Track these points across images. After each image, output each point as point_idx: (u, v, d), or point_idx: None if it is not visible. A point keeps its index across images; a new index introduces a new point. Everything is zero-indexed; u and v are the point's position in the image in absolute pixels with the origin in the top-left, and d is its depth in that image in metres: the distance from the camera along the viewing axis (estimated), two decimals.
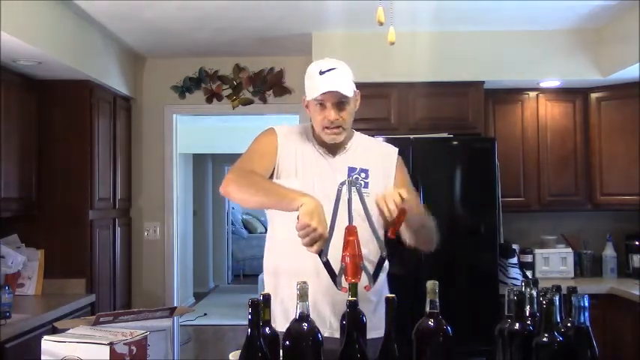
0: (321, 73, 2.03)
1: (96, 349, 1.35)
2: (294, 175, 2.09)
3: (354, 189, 1.83)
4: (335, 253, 1.76)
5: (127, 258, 4.72)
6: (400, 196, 1.78)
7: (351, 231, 1.75)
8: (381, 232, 1.94)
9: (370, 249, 1.91)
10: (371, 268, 1.83)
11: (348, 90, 2.03)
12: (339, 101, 2.03)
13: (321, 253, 1.75)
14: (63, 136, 3.96)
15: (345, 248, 1.74)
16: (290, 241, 1.94)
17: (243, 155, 2.14)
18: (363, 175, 2.10)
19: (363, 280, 1.76)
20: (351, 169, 2.10)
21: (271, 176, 2.12)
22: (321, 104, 2.04)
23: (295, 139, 2.16)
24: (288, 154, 2.12)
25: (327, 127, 2.06)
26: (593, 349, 1.47)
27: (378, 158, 2.16)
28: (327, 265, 1.76)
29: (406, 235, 2.06)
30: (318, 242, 1.72)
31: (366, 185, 2.08)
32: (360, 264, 1.72)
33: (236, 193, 2.00)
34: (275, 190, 1.94)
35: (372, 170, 2.12)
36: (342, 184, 1.84)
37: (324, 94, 2.01)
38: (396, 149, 2.24)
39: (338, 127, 2.06)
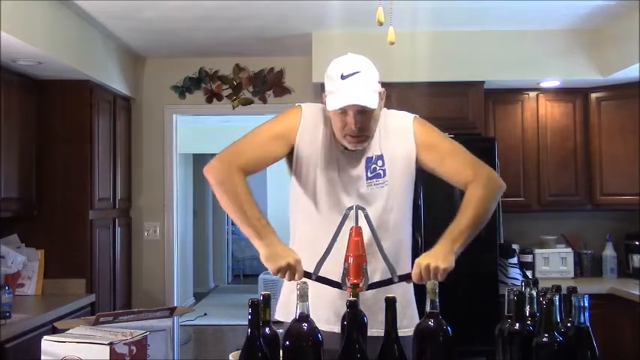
0: (343, 77, 1.85)
1: (96, 349, 1.35)
2: (314, 169, 1.97)
3: (361, 213, 1.81)
4: (338, 269, 1.77)
5: (127, 258, 4.71)
6: (440, 268, 1.74)
7: (356, 232, 1.75)
8: (396, 259, 1.89)
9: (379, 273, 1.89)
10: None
11: (373, 100, 1.85)
12: (362, 110, 1.86)
13: (310, 275, 1.77)
14: (63, 136, 3.96)
15: (349, 248, 1.74)
16: (307, 240, 1.98)
17: (251, 134, 2.01)
18: (380, 162, 1.97)
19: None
20: (369, 159, 1.97)
21: (290, 157, 2.01)
22: (343, 111, 1.88)
23: (320, 126, 1.99)
24: (310, 143, 1.98)
25: (349, 134, 1.90)
26: (593, 349, 1.47)
27: (392, 137, 1.99)
28: (320, 280, 1.77)
29: None
30: (297, 270, 1.75)
31: (384, 174, 1.96)
32: (362, 265, 1.72)
33: (215, 191, 1.93)
34: (244, 218, 1.85)
35: (386, 154, 1.97)
36: (350, 209, 1.80)
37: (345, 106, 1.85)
38: (411, 118, 2.02)
39: (361, 135, 1.90)
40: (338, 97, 1.86)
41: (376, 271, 1.88)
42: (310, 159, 1.98)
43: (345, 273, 1.73)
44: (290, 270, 1.75)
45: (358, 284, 1.71)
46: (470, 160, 1.99)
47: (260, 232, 1.82)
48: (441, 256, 1.77)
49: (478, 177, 1.94)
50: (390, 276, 1.84)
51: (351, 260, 1.72)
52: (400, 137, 1.99)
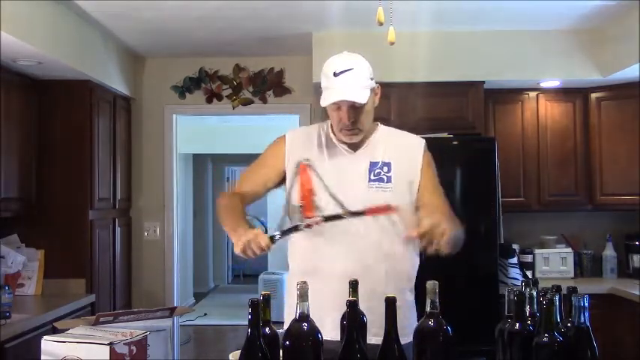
0: (336, 74, 1.99)
1: (96, 349, 1.35)
2: (311, 179, 2.06)
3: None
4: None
5: (127, 258, 4.71)
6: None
7: (303, 168, 1.92)
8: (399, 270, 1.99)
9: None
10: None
11: (362, 96, 1.98)
12: (354, 105, 2.00)
13: (274, 237, 1.86)
14: (63, 136, 3.96)
15: (302, 187, 1.91)
16: (309, 246, 2.06)
17: (248, 167, 2.24)
18: (385, 169, 2.06)
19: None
20: (373, 164, 2.07)
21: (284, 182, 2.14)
22: (337, 106, 2.02)
23: (308, 143, 2.13)
24: (298, 159, 2.10)
25: (343, 129, 2.05)
26: (593, 349, 1.47)
27: (402, 150, 2.11)
28: (285, 233, 1.90)
29: None
30: (258, 240, 1.82)
31: (389, 179, 2.05)
32: (313, 198, 1.88)
33: (217, 213, 2.11)
34: (225, 221, 2.00)
35: (394, 163, 2.07)
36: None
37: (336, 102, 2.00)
38: (422, 140, 2.17)
39: (355, 128, 2.04)
40: (330, 93, 2.00)
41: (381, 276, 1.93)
42: (306, 179, 2.10)
43: (301, 211, 1.89)
44: (253, 243, 1.81)
45: (357, 285, 1.69)
46: (448, 210, 2.08)
47: (235, 227, 1.91)
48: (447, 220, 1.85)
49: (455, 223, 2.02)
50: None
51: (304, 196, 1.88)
52: (411, 157, 2.11)
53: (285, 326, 1.85)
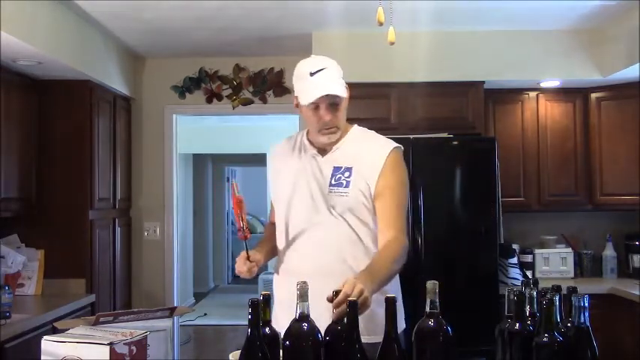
0: (312, 74, 2.01)
1: (96, 349, 1.35)
2: (284, 185, 2.16)
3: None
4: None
5: (127, 258, 4.71)
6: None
7: (236, 200, 1.99)
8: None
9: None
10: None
11: (341, 90, 2.02)
12: (333, 102, 2.03)
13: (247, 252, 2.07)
14: (63, 136, 3.96)
15: (234, 209, 1.99)
16: (283, 247, 2.16)
17: None
18: (346, 174, 2.06)
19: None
20: (336, 169, 2.08)
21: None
22: (315, 106, 2.03)
23: (286, 151, 2.21)
24: (279, 170, 2.21)
25: (323, 129, 2.06)
26: (593, 349, 1.47)
27: (365, 154, 2.08)
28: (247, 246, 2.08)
29: None
30: (239, 265, 2.11)
31: (347, 184, 2.05)
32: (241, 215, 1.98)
33: None
34: None
35: (355, 169, 2.06)
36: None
37: (318, 98, 2.00)
38: (389, 148, 2.09)
39: (334, 126, 2.07)
40: (310, 91, 2.01)
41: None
42: (279, 181, 2.19)
43: (242, 227, 1.98)
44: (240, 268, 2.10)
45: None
46: (401, 223, 2.04)
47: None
48: (368, 285, 1.69)
49: (400, 236, 2.00)
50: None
51: (241, 217, 1.97)
52: (371, 164, 2.06)
53: (273, 323, 1.87)
